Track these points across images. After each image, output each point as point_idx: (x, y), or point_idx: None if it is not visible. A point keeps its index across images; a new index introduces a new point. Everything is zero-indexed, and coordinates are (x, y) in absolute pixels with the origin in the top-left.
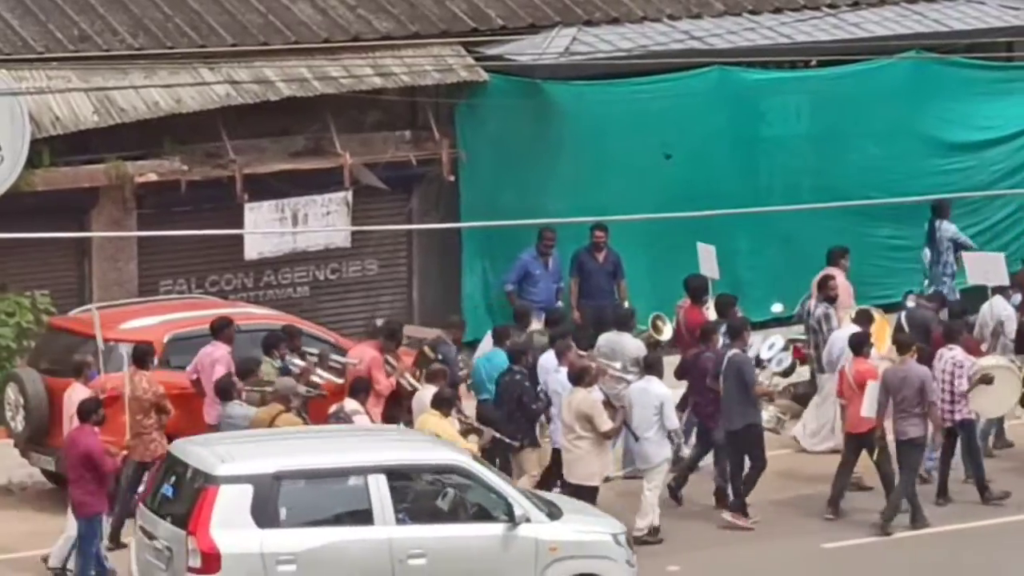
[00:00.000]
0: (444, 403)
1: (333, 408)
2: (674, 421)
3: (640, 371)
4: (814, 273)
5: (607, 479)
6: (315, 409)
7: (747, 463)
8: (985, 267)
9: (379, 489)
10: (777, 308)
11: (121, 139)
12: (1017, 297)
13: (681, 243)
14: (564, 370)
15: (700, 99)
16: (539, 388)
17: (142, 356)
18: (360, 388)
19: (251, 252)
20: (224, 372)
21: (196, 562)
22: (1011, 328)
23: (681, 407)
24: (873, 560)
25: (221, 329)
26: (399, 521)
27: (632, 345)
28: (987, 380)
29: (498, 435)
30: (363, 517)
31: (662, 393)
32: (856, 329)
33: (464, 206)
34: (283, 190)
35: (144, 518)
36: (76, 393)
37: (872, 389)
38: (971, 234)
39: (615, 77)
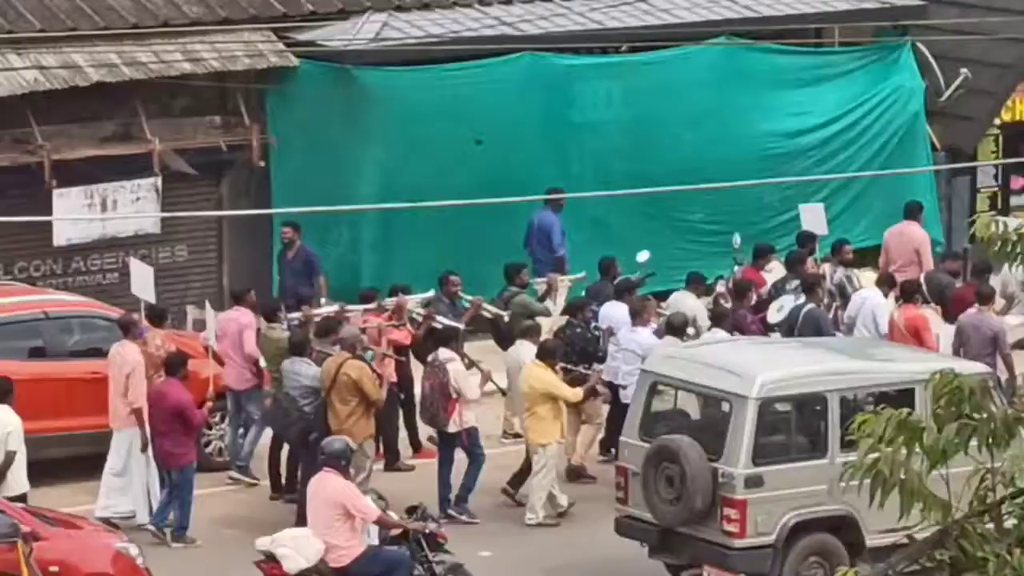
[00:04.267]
0: (550, 354)
1: (429, 357)
2: None
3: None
4: (627, 255)
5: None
6: None
7: None
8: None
9: None
10: (642, 257)
11: None
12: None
13: (490, 228)
14: (639, 329)
15: (511, 85)
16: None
17: (159, 314)
18: (450, 336)
19: (60, 238)
20: (253, 337)
21: None
22: None
23: None
24: None
25: (244, 294)
26: None
27: (692, 305)
28: None
29: (604, 377)
30: None
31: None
32: (878, 291)
33: (275, 192)
34: (92, 176)
35: None
36: (127, 351)
37: (948, 333)
38: (786, 219)
39: (426, 63)
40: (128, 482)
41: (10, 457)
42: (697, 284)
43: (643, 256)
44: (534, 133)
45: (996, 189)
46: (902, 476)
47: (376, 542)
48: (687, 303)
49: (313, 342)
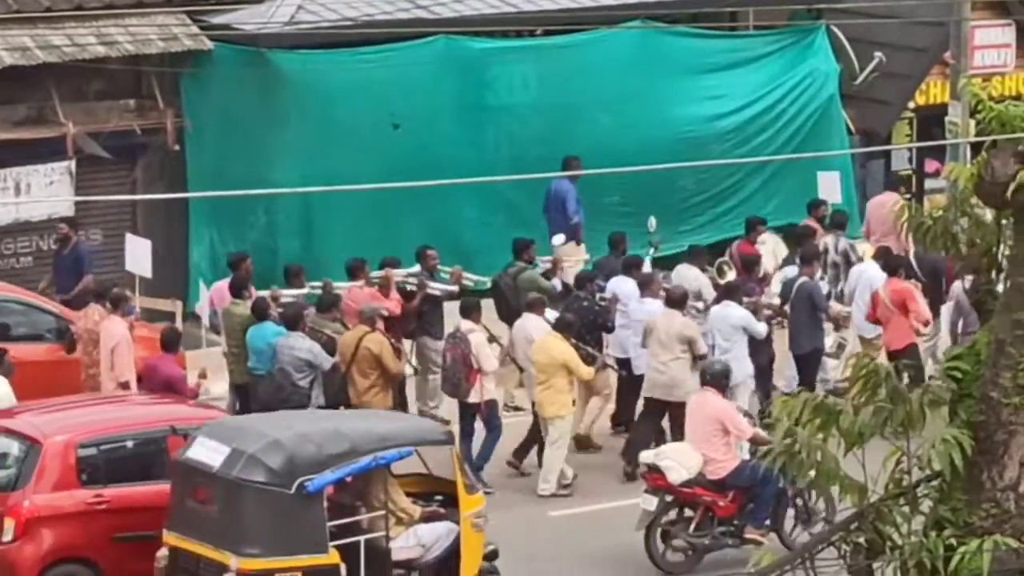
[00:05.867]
0: (567, 327)
1: (451, 329)
2: (761, 332)
3: (715, 298)
4: (542, 238)
5: None
6: None
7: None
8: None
9: None
10: (557, 241)
11: None
12: None
13: (408, 212)
14: (648, 300)
15: (426, 68)
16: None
17: (113, 299)
18: (472, 307)
19: None
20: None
21: None
22: None
23: None
24: None
25: (239, 263)
26: None
27: (695, 277)
28: None
29: (608, 362)
30: None
31: (742, 315)
32: (875, 265)
33: (191, 175)
34: (5, 159)
35: None
36: (113, 325)
37: (946, 310)
38: (699, 200)
39: (341, 46)
40: None
41: None
42: (699, 256)
43: (558, 239)
44: (450, 117)
45: (910, 172)
46: (818, 459)
47: (747, 457)
48: (690, 275)
49: (309, 318)
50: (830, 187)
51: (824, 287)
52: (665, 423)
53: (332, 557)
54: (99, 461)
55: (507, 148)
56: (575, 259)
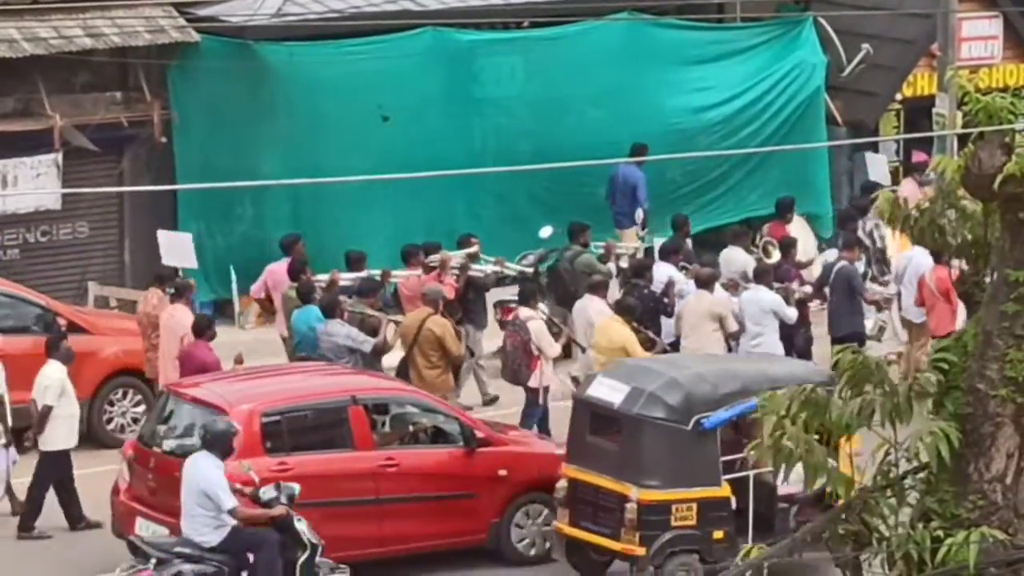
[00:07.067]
0: (628, 310)
1: (510, 316)
2: (792, 316)
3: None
4: (530, 231)
5: None
6: None
7: None
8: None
9: None
10: (545, 233)
11: None
12: None
13: (396, 204)
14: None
15: (414, 60)
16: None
17: (178, 287)
18: (530, 294)
19: None
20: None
21: None
22: None
23: None
24: None
25: (291, 246)
26: None
27: (742, 259)
28: None
29: (668, 349)
30: None
31: (772, 298)
32: (924, 251)
33: (178, 168)
34: None
35: None
36: (179, 313)
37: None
38: (689, 190)
39: (328, 38)
40: None
41: (45, 411)
42: (742, 237)
43: (546, 232)
44: (438, 109)
45: (897, 164)
46: (806, 451)
47: None
48: (737, 257)
49: (347, 302)
50: (878, 169)
51: (860, 267)
52: None
53: (724, 490)
54: (283, 430)
55: (494, 140)
56: (634, 245)
